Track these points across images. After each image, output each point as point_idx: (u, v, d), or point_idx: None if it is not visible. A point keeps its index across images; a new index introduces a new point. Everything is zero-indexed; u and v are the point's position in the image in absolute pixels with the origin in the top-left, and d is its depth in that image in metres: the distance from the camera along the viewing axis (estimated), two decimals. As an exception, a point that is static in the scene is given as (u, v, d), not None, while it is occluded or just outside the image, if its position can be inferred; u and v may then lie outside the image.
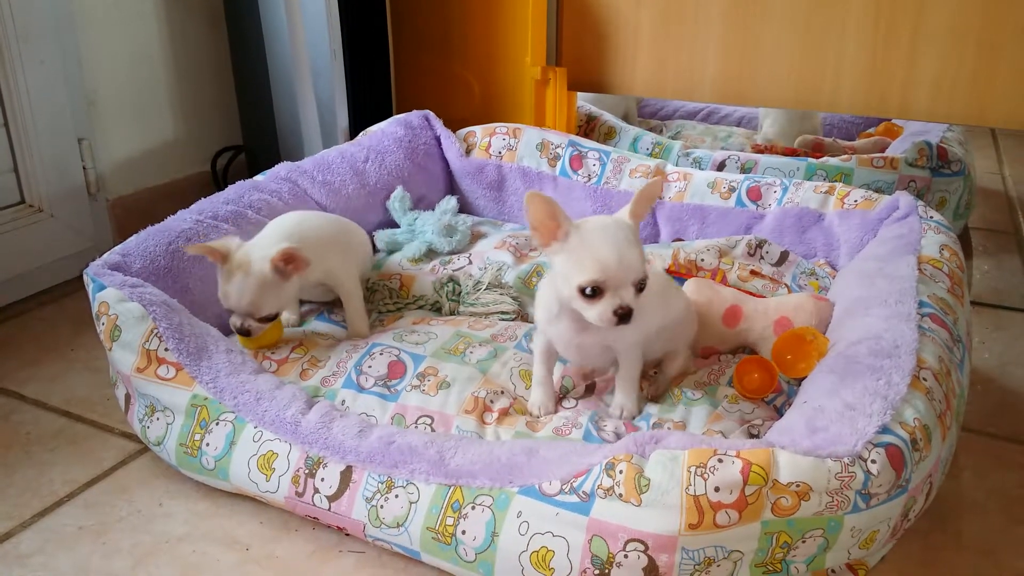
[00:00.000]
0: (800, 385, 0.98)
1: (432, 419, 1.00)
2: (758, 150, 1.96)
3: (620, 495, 0.76)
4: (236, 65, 1.80)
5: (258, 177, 1.36)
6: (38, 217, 1.48)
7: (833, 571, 0.82)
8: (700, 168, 1.74)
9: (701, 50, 1.61)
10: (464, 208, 1.60)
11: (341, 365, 1.07)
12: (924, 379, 0.85)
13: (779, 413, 1.00)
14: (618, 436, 0.95)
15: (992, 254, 1.74)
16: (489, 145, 1.58)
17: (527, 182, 1.55)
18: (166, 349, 0.99)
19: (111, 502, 0.98)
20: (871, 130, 2.17)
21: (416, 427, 0.99)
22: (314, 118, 1.71)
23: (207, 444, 0.95)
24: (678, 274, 1.27)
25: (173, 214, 1.21)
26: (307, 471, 0.89)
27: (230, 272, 1.04)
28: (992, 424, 1.14)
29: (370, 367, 1.06)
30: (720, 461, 0.74)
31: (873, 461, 0.75)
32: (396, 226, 1.47)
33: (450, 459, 0.85)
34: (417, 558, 0.86)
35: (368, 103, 1.79)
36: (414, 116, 1.60)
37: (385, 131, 1.55)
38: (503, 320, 1.22)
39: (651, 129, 2.20)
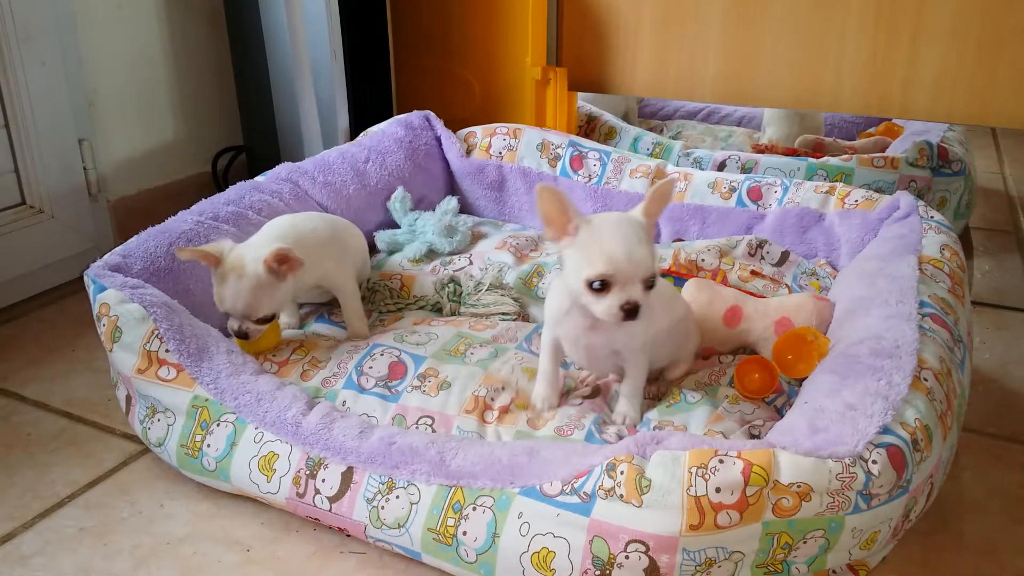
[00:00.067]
0: (801, 385, 0.98)
1: (433, 420, 1.00)
2: (759, 150, 1.96)
3: (621, 496, 0.76)
4: (237, 66, 1.80)
5: (259, 178, 1.36)
6: (39, 218, 1.48)
7: (834, 572, 0.82)
8: (701, 168, 1.74)
9: (701, 50, 1.61)
10: (465, 208, 1.60)
11: (342, 366, 1.07)
12: (925, 379, 0.85)
13: (780, 414, 1.00)
14: (620, 439, 0.95)
15: (993, 254, 1.74)
16: (490, 145, 1.58)
17: (527, 182, 1.55)
18: (167, 350, 0.99)
19: (112, 503, 0.98)
20: (871, 130, 2.17)
21: (417, 428, 0.99)
22: (314, 119, 1.71)
23: (208, 445, 0.95)
24: (678, 274, 1.27)
25: (174, 215, 1.21)
26: (308, 472, 0.90)
27: (224, 275, 1.04)
28: (993, 424, 1.14)
29: (371, 368, 1.06)
30: (721, 462, 0.74)
31: (874, 461, 0.75)
32: (397, 226, 1.47)
33: (451, 460, 0.85)
34: (418, 559, 0.86)
35: (368, 103, 1.79)
36: (415, 116, 1.61)
37: (386, 131, 1.55)
38: (504, 321, 1.22)
39: (651, 129, 2.20)
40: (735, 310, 1.13)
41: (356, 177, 1.45)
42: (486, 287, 1.27)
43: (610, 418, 1.01)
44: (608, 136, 1.96)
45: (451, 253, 1.40)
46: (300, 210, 1.31)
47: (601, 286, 0.88)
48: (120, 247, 1.12)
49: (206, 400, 0.96)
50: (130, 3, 1.63)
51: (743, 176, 1.44)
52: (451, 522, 0.82)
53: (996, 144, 2.52)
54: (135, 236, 1.14)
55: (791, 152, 1.92)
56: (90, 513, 0.97)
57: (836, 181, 1.65)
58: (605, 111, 2.04)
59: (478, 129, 1.62)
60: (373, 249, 1.42)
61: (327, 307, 1.26)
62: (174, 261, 1.13)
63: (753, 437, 0.94)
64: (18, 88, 1.41)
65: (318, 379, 1.07)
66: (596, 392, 1.06)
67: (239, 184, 1.32)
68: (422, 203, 1.54)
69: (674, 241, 1.42)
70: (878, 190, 1.47)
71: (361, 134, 1.58)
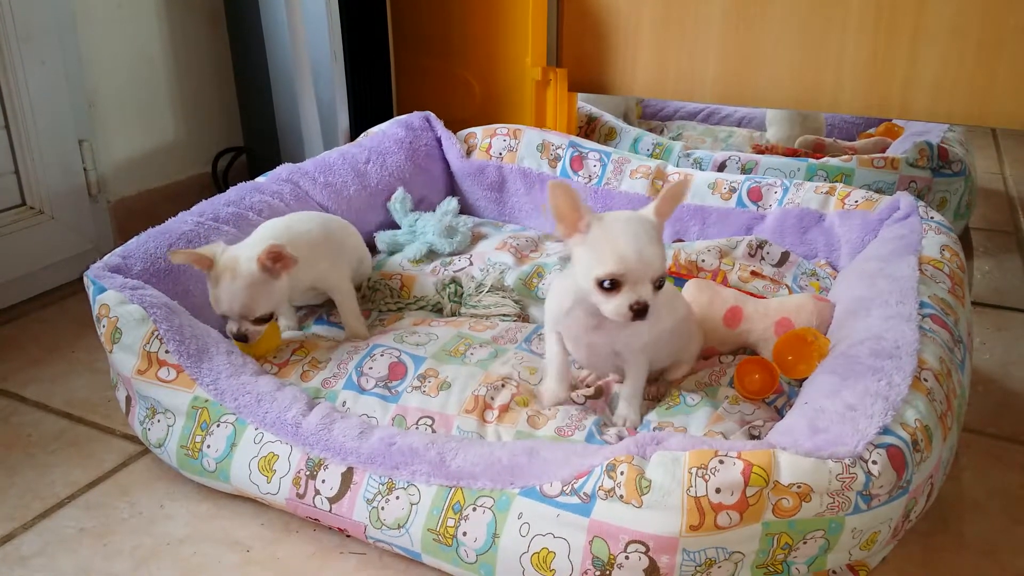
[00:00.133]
0: (801, 386, 0.98)
1: (433, 420, 1.00)
2: (759, 151, 1.96)
3: (621, 496, 0.76)
4: (237, 66, 1.81)
5: (259, 179, 1.37)
6: (39, 219, 1.48)
7: (834, 572, 0.82)
8: (701, 169, 1.74)
9: (702, 51, 1.61)
10: (465, 209, 1.60)
11: (342, 366, 1.07)
12: (925, 380, 0.85)
13: (780, 414, 1.00)
14: (620, 440, 0.95)
15: (993, 254, 1.74)
16: (490, 146, 1.58)
17: (528, 183, 1.55)
18: (167, 351, 0.99)
19: (112, 504, 0.98)
20: (871, 130, 2.17)
21: (417, 428, 0.99)
22: (315, 119, 1.71)
23: (208, 446, 0.95)
24: (679, 275, 1.27)
25: (174, 216, 1.21)
26: (308, 473, 0.90)
27: (218, 276, 1.03)
28: (993, 424, 1.14)
29: (371, 368, 1.06)
30: (721, 462, 0.74)
31: (874, 462, 0.75)
32: (397, 227, 1.47)
33: (451, 460, 0.85)
34: (418, 559, 0.86)
35: (368, 104, 1.79)
36: (415, 117, 1.61)
37: (386, 132, 1.55)
38: (504, 322, 1.22)
39: (651, 130, 2.20)
40: (735, 311, 1.13)
41: (357, 178, 1.45)
42: (487, 288, 1.27)
43: (611, 419, 1.01)
44: (608, 137, 1.96)
45: (451, 254, 1.40)
46: (301, 211, 1.31)
47: (611, 285, 0.88)
48: (120, 248, 1.12)
49: (206, 401, 0.96)
50: (130, 3, 1.63)
51: (743, 177, 1.44)
52: (451, 523, 0.82)
53: (996, 144, 2.52)
54: (135, 237, 1.14)
55: (791, 153, 1.92)
56: (90, 514, 0.97)
57: (836, 182, 1.65)
58: (605, 112, 2.04)
59: (478, 130, 1.62)
60: (373, 250, 1.42)
61: (325, 309, 1.26)
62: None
63: (753, 438, 0.94)
64: (18, 88, 1.41)
65: (318, 380, 1.07)
66: (599, 393, 1.06)
67: (240, 185, 1.32)
68: (422, 204, 1.54)
69: (674, 242, 1.42)
70: (878, 191, 1.47)
71: (362, 135, 1.58)
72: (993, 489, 1.01)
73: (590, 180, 1.50)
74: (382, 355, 1.08)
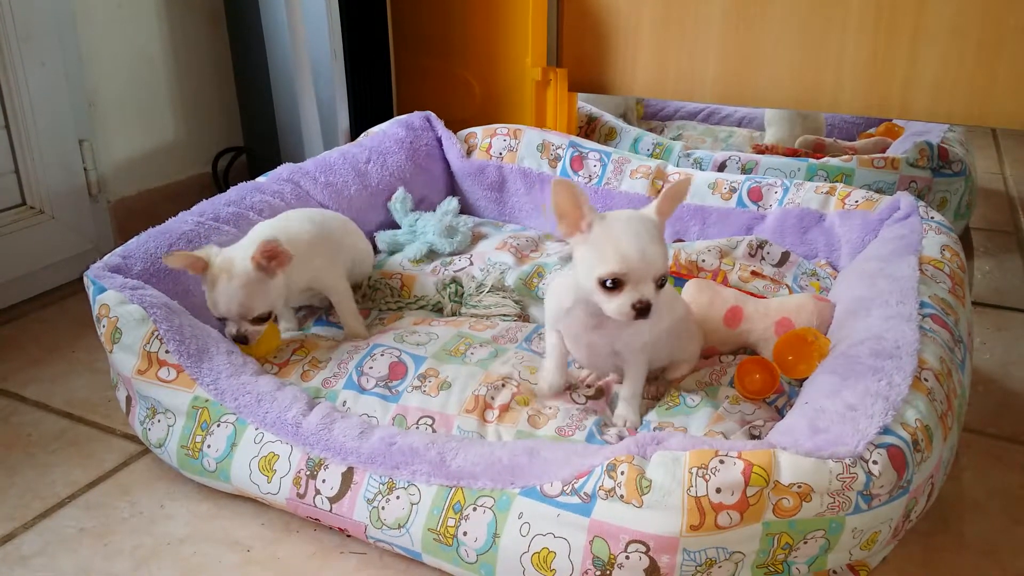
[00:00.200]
0: (801, 386, 0.98)
1: (433, 420, 1.00)
2: (759, 151, 1.96)
3: (621, 496, 0.76)
4: (237, 66, 1.81)
5: (260, 178, 1.37)
6: (39, 219, 1.48)
7: (835, 572, 0.82)
8: (701, 169, 1.74)
9: (702, 51, 1.61)
10: (465, 209, 1.60)
11: (342, 366, 1.07)
12: (925, 380, 0.85)
13: (780, 414, 1.00)
14: (621, 440, 0.95)
15: (993, 254, 1.74)
16: (490, 146, 1.58)
17: (528, 183, 1.55)
18: (167, 351, 0.99)
19: (112, 504, 0.98)
20: (872, 130, 2.17)
21: (417, 428, 0.99)
22: (315, 119, 1.71)
23: (208, 446, 0.95)
24: (679, 275, 1.27)
25: (174, 216, 1.21)
26: (308, 472, 0.90)
27: (214, 278, 1.03)
28: (993, 424, 1.14)
29: (371, 368, 1.06)
30: (721, 462, 0.74)
31: (875, 462, 0.75)
32: (397, 227, 1.47)
33: (451, 460, 0.85)
34: (418, 559, 0.86)
35: (369, 104, 1.79)
36: (415, 117, 1.61)
37: (386, 132, 1.55)
38: (504, 321, 1.22)
39: (652, 130, 2.20)
40: (735, 311, 1.13)
41: (357, 178, 1.45)
42: (487, 288, 1.27)
43: (611, 420, 1.01)
44: (608, 137, 1.96)
45: (451, 253, 1.40)
46: (297, 208, 1.30)
47: (614, 284, 0.88)
48: (120, 248, 1.12)
49: (206, 401, 0.96)
50: (130, 3, 1.63)
51: (743, 177, 1.44)
52: (451, 522, 0.82)
53: (996, 144, 2.52)
54: (135, 237, 1.14)
55: (791, 153, 1.92)
56: (90, 513, 0.97)
57: (836, 182, 1.65)
58: (605, 112, 2.04)
59: (478, 130, 1.62)
60: (374, 250, 1.42)
61: (325, 309, 1.26)
62: (174, 262, 1.12)
63: (754, 437, 0.94)
64: (18, 88, 1.41)
65: (318, 379, 1.06)
66: (600, 393, 1.06)
67: (240, 185, 1.32)
68: (423, 204, 1.54)
69: (674, 241, 1.42)
70: (878, 191, 1.47)
71: (362, 135, 1.58)
72: (993, 489, 1.01)
73: (590, 180, 1.50)
74: (382, 355, 1.08)
